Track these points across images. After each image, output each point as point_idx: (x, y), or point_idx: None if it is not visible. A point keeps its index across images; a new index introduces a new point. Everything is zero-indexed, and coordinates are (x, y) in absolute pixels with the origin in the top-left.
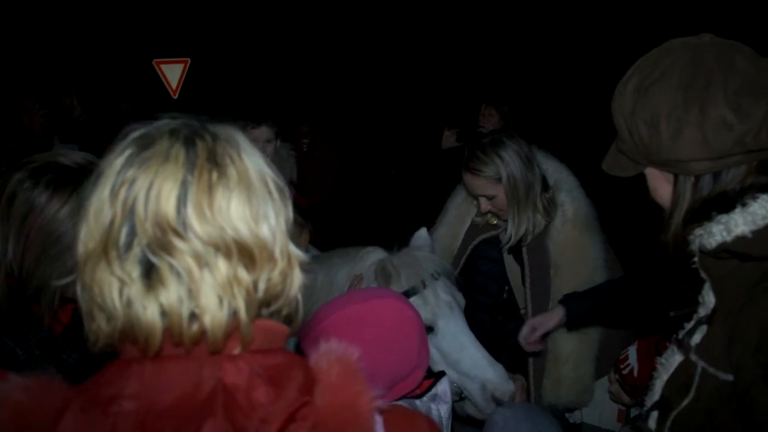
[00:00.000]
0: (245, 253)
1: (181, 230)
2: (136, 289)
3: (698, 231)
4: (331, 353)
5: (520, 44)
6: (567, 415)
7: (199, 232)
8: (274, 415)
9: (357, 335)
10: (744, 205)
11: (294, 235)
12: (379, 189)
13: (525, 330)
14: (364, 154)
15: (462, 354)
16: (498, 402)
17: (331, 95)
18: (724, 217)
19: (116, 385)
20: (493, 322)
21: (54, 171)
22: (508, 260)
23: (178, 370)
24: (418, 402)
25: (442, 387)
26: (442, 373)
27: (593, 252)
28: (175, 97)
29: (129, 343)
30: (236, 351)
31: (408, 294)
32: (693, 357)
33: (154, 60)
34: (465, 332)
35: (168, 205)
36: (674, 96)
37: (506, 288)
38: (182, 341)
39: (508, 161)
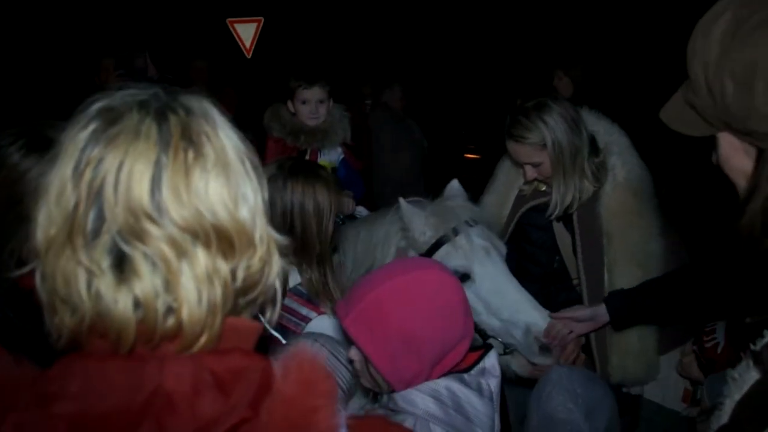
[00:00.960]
0: (224, 240)
1: (155, 216)
2: (106, 280)
3: None
4: (293, 358)
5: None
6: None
7: (175, 218)
8: (210, 429)
9: (404, 308)
10: None
11: (334, 202)
12: (448, 152)
13: (558, 327)
14: (436, 125)
15: (503, 299)
16: (546, 349)
17: (405, 61)
18: None
19: (60, 382)
20: (545, 292)
21: (37, 135)
22: (558, 228)
23: (118, 372)
24: (466, 376)
25: (491, 361)
26: (489, 346)
27: (646, 219)
28: (249, 57)
29: (97, 338)
30: (194, 349)
31: (439, 243)
32: None
33: (228, 19)
34: (505, 276)
35: (141, 188)
36: None
37: (557, 258)
38: (154, 337)
39: (553, 126)
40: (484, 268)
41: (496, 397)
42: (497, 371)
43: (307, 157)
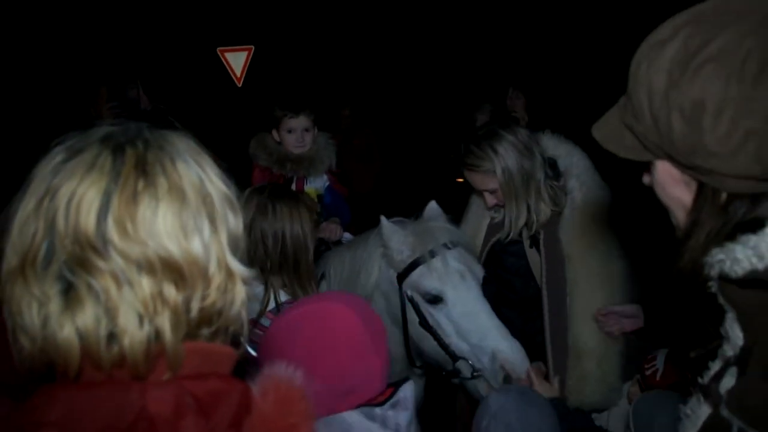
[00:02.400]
0: (172, 270)
1: (100, 247)
2: (53, 307)
3: (718, 255)
4: (270, 379)
5: (548, 25)
6: (594, 415)
7: (120, 249)
8: None
9: (291, 340)
10: None
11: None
12: (421, 174)
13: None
14: (401, 139)
15: (473, 324)
16: (509, 379)
17: (368, 81)
18: (752, 239)
19: (40, 411)
20: (523, 319)
21: None
22: (531, 254)
23: (102, 397)
24: (378, 410)
25: (404, 393)
26: (406, 379)
27: (606, 240)
28: (240, 85)
29: (48, 365)
30: (166, 376)
31: (415, 264)
32: (724, 412)
33: (218, 48)
34: (477, 301)
35: (88, 218)
36: (732, 88)
37: (532, 283)
38: (101, 364)
39: (503, 154)
40: (457, 291)
41: (404, 429)
42: (410, 404)
43: (293, 185)
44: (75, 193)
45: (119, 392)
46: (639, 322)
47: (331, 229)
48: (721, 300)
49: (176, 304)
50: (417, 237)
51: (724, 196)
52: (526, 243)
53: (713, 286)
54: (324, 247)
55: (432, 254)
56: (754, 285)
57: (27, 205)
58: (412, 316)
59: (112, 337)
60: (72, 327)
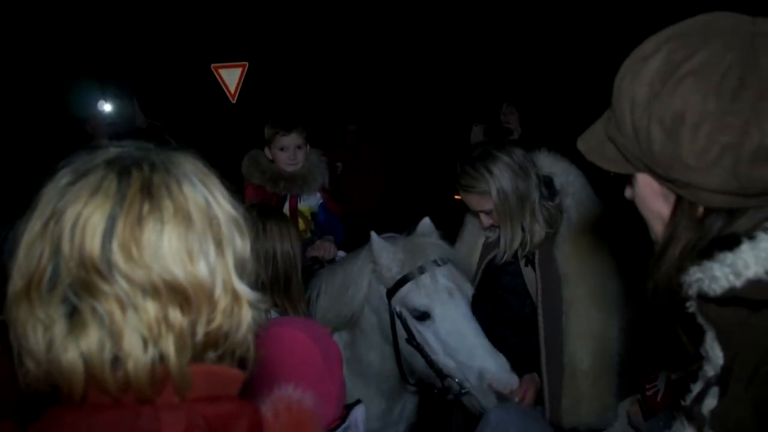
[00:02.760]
0: (178, 294)
1: (105, 270)
2: (57, 330)
3: (696, 274)
4: (281, 401)
5: (543, 40)
6: None
7: (124, 273)
8: None
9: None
10: (752, 238)
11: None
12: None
13: None
14: (402, 156)
15: (460, 342)
16: (498, 395)
17: (370, 96)
18: (729, 257)
19: None
20: (519, 337)
21: None
22: (527, 273)
23: (112, 420)
24: None
25: (355, 415)
26: (357, 402)
27: (602, 259)
28: (234, 101)
29: (53, 387)
30: (175, 399)
31: (404, 280)
32: None
33: (212, 64)
34: (465, 319)
35: (93, 242)
36: (711, 103)
37: (528, 302)
38: (106, 387)
39: (498, 175)
40: (445, 309)
41: None
42: (361, 427)
43: (287, 203)
44: (80, 216)
45: (129, 415)
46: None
47: (325, 248)
48: (701, 319)
49: (181, 328)
50: (407, 253)
51: (701, 210)
52: (522, 262)
53: (692, 305)
54: (318, 265)
55: (421, 270)
56: (732, 303)
57: (33, 228)
58: (401, 332)
59: (117, 360)
60: (76, 350)
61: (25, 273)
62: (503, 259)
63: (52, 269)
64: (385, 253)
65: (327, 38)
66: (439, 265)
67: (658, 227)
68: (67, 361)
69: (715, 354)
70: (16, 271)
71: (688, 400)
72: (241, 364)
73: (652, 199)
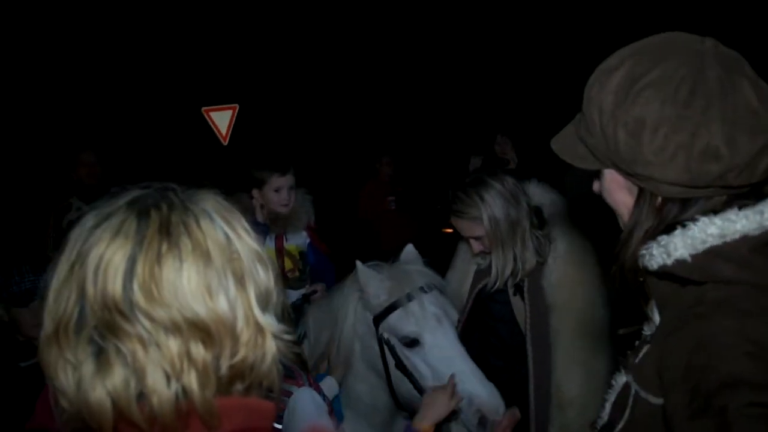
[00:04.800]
0: (199, 330)
1: (127, 311)
2: (85, 370)
3: (643, 250)
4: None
5: (538, 67)
6: None
7: (146, 312)
8: None
9: None
10: (684, 226)
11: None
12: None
13: None
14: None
15: (450, 367)
16: (484, 422)
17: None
18: (664, 239)
19: None
20: (509, 367)
21: None
22: (516, 302)
23: None
24: None
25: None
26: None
27: (590, 289)
28: (226, 143)
29: (87, 425)
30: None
31: (392, 307)
32: (629, 378)
33: (203, 108)
34: (454, 346)
35: (115, 283)
36: (668, 109)
37: (517, 331)
38: (134, 422)
39: (489, 202)
40: (434, 336)
41: None
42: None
43: (273, 242)
44: (102, 258)
45: None
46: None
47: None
48: (648, 290)
49: (204, 362)
50: (394, 280)
51: (659, 200)
52: (511, 291)
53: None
54: (307, 303)
55: (409, 298)
56: (666, 277)
57: (61, 272)
58: (390, 359)
59: (142, 396)
60: (103, 389)
61: (54, 317)
62: (494, 287)
63: (78, 312)
64: (372, 280)
65: (319, 73)
66: (425, 292)
67: (623, 215)
68: (95, 399)
69: (654, 318)
70: (47, 315)
71: (629, 353)
72: (268, 396)
73: (618, 191)
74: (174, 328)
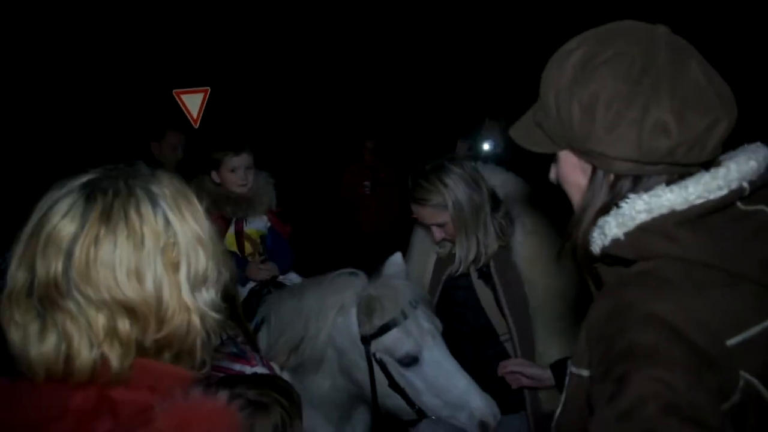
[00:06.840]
0: (126, 309)
1: (64, 289)
2: (30, 331)
3: (591, 234)
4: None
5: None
6: None
7: (81, 290)
8: None
9: None
10: (618, 206)
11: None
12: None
13: (512, 364)
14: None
15: (448, 382)
16: (487, 428)
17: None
18: (602, 220)
19: None
20: (474, 349)
21: None
22: (479, 285)
23: (37, 394)
24: None
25: None
26: None
27: (564, 263)
28: (196, 127)
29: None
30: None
31: (389, 326)
32: (569, 362)
33: (174, 90)
34: (449, 360)
35: (57, 262)
36: (620, 86)
37: (481, 313)
38: (59, 376)
39: (452, 187)
40: (431, 353)
41: None
42: None
43: (233, 226)
44: (50, 237)
45: (50, 391)
46: (538, 384)
47: (259, 271)
48: (598, 273)
49: (128, 336)
50: (388, 300)
51: (611, 177)
52: (474, 275)
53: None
54: (266, 290)
55: (404, 316)
56: (609, 261)
57: (21, 242)
58: (381, 378)
59: (69, 358)
60: (39, 350)
61: (12, 284)
62: (458, 272)
63: (29, 282)
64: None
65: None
66: (414, 307)
67: (576, 195)
68: (33, 356)
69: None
70: (9, 279)
71: None
72: (202, 363)
73: (572, 172)
74: (103, 306)
